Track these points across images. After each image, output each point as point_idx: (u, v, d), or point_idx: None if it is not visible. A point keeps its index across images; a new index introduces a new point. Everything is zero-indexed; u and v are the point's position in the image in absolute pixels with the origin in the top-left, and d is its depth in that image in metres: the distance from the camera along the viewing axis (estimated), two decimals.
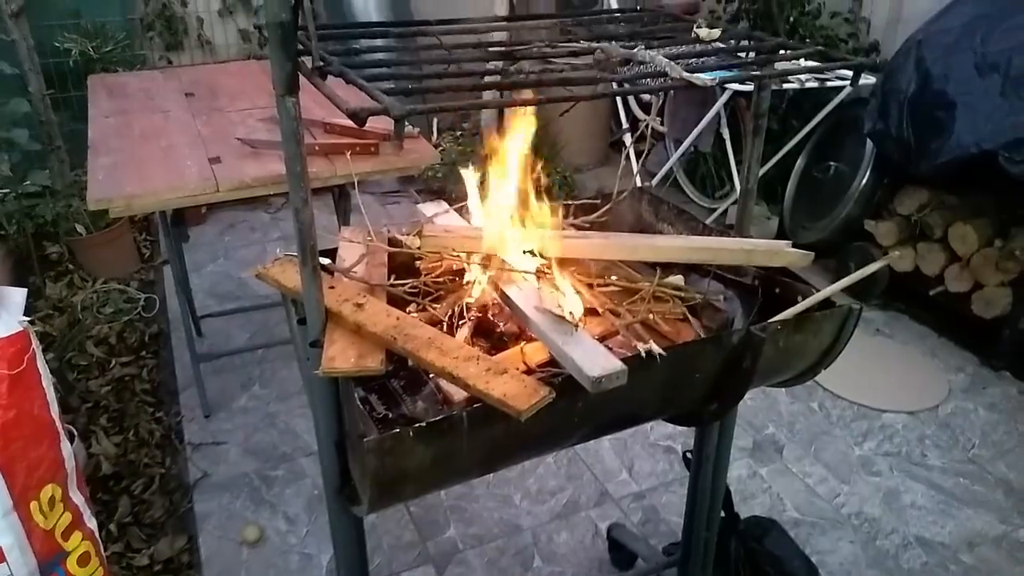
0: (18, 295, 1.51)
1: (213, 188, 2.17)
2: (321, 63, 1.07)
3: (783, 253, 1.42)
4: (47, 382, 1.50)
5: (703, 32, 1.29)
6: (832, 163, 3.56)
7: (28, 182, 3.50)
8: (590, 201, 1.65)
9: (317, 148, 2.33)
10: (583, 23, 1.50)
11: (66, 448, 1.54)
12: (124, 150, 2.34)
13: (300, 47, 1.09)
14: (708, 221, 3.72)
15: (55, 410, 1.51)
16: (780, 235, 3.82)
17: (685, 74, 1.04)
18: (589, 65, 1.17)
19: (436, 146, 4.15)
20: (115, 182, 2.14)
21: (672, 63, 1.07)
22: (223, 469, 2.47)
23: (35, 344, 1.48)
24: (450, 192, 4.17)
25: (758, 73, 1.17)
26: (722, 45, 1.28)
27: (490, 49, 1.26)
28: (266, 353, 3.04)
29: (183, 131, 2.49)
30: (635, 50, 1.14)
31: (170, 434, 2.62)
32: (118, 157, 2.29)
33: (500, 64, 1.21)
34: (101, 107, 2.71)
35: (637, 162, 4.18)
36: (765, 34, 1.31)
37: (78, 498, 1.57)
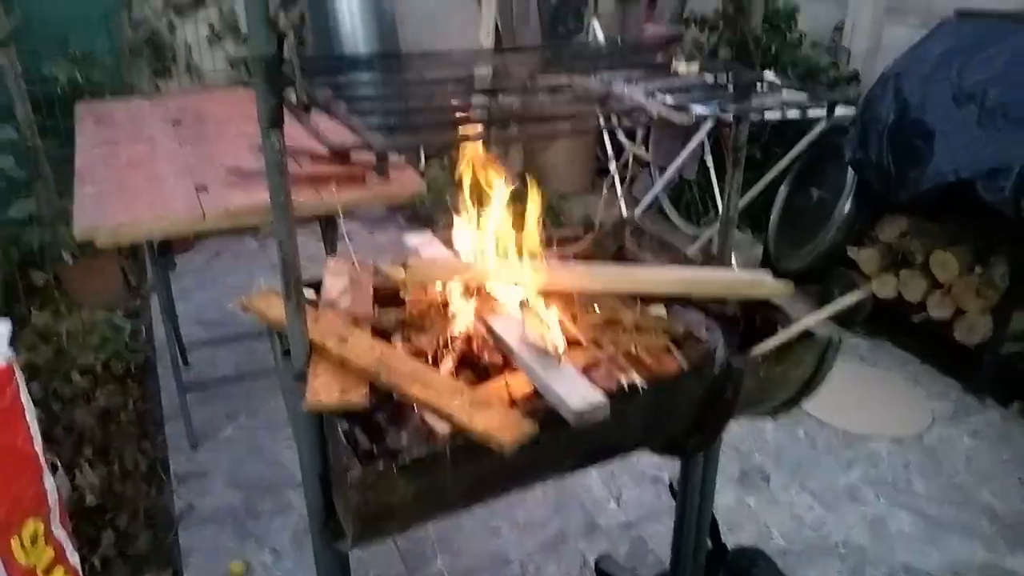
0: (2, 327, 1.50)
1: (200, 217, 2.17)
2: (306, 97, 1.09)
3: (764, 285, 1.44)
4: (30, 415, 1.49)
5: (682, 67, 1.32)
6: (814, 190, 3.61)
7: (14, 209, 3.50)
8: (573, 233, 1.66)
9: (304, 177, 2.34)
10: (564, 56, 1.53)
11: (49, 482, 1.53)
12: (111, 179, 2.34)
13: (286, 79, 1.10)
14: (693, 248, 3.81)
15: (38, 444, 1.50)
16: (765, 261, 3.86)
17: (662, 110, 1.06)
18: (568, 99, 1.19)
19: (422, 173, 4.17)
20: (101, 212, 2.14)
21: (650, 98, 1.09)
22: (209, 501, 2.44)
23: (18, 377, 1.48)
24: (437, 219, 4.19)
25: (734, 108, 1.19)
26: (700, 80, 1.31)
27: (473, 83, 1.27)
28: (253, 382, 3.02)
29: (170, 159, 2.50)
30: (613, 86, 1.16)
31: (155, 465, 2.60)
32: (105, 186, 2.29)
33: (483, 99, 1.22)
34: (88, 135, 2.72)
35: (622, 189, 4.21)
36: (743, 67, 1.33)
37: (60, 533, 1.55)
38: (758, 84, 1.26)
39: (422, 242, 1.58)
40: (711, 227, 3.97)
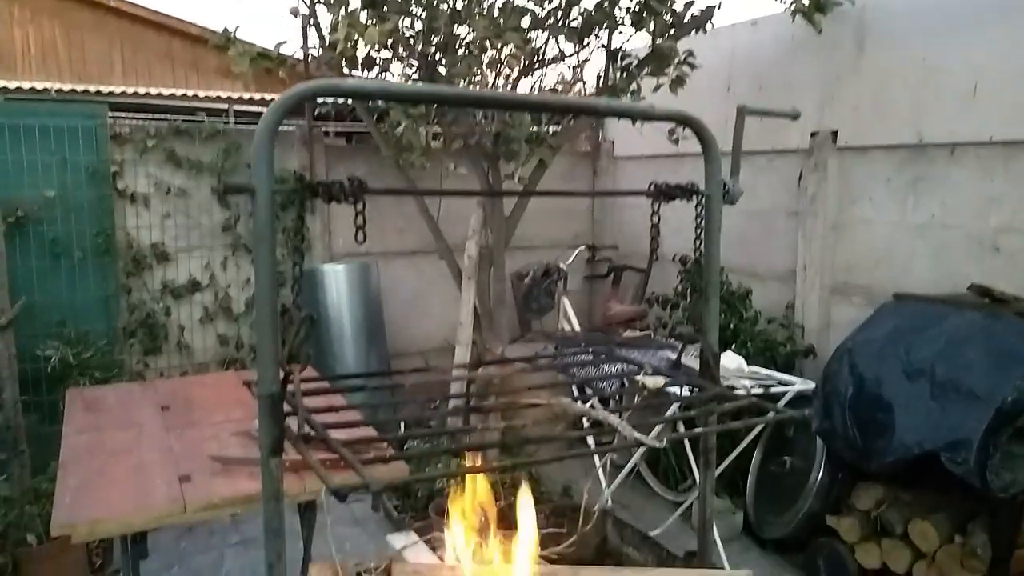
0: None
1: (180, 509, 2.17)
2: (307, 429, 1.18)
3: None
4: None
5: (649, 381, 1.45)
6: (787, 457, 3.69)
7: None
8: (556, 527, 1.70)
9: (287, 464, 2.38)
10: (540, 367, 1.67)
11: None
12: (94, 469, 2.36)
13: (288, 411, 1.20)
14: (673, 517, 3.78)
15: None
16: (746, 529, 3.82)
17: (636, 436, 1.16)
18: (549, 418, 1.30)
19: (403, 443, 4.20)
20: (81, 507, 2.13)
21: (623, 423, 1.20)
22: None
23: None
24: (416, 490, 4.15)
25: (700, 429, 1.30)
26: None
27: (460, 403, 1.39)
28: None
29: (155, 447, 2.54)
30: (589, 407, 1.28)
31: None
32: (87, 477, 2.30)
33: (469, 419, 1.33)
34: (76, 423, 2.76)
35: (599, 459, 4.27)
36: (706, 381, 1.47)
37: None
38: (719, 399, 1.38)
39: (407, 544, 1.60)
40: (690, 494, 3.97)
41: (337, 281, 4.72)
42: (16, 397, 3.92)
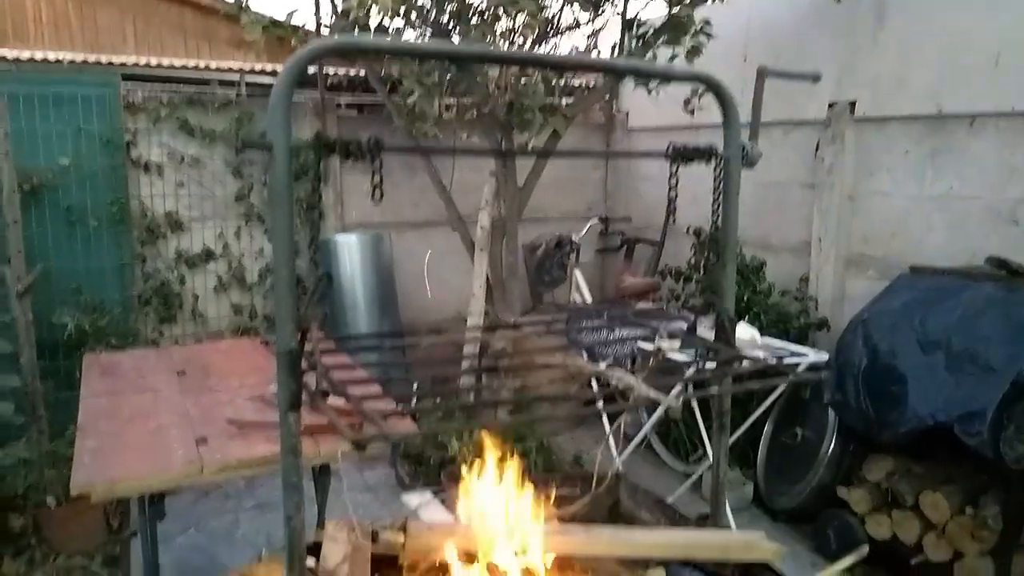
0: None
1: (198, 471, 2.20)
2: (325, 385, 1.19)
3: (757, 548, 1.47)
4: None
5: (664, 344, 1.45)
6: (799, 429, 3.69)
7: (3, 453, 3.49)
8: (570, 492, 1.71)
9: (303, 428, 2.40)
10: (556, 331, 1.67)
11: None
12: (112, 432, 2.39)
13: (306, 368, 1.21)
14: (683, 487, 3.80)
15: None
16: (756, 501, 3.84)
17: (651, 393, 1.17)
18: (563, 379, 1.30)
19: (414, 413, 4.24)
20: (99, 467, 2.16)
21: (638, 381, 1.21)
22: None
23: None
24: (428, 457, 4.19)
25: (716, 389, 1.31)
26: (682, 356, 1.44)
27: (474, 362, 1.39)
28: None
29: (172, 411, 2.57)
30: (603, 367, 1.28)
31: None
32: (105, 440, 2.33)
33: (484, 377, 1.34)
34: (93, 387, 2.80)
35: (612, 428, 4.28)
36: (721, 345, 1.47)
37: None
38: (735, 362, 1.38)
39: (421, 503, 1.62)
40: (700, 464, 3.99)
41: (350, 251, 4.73)
42: (34, 363, 3.96)
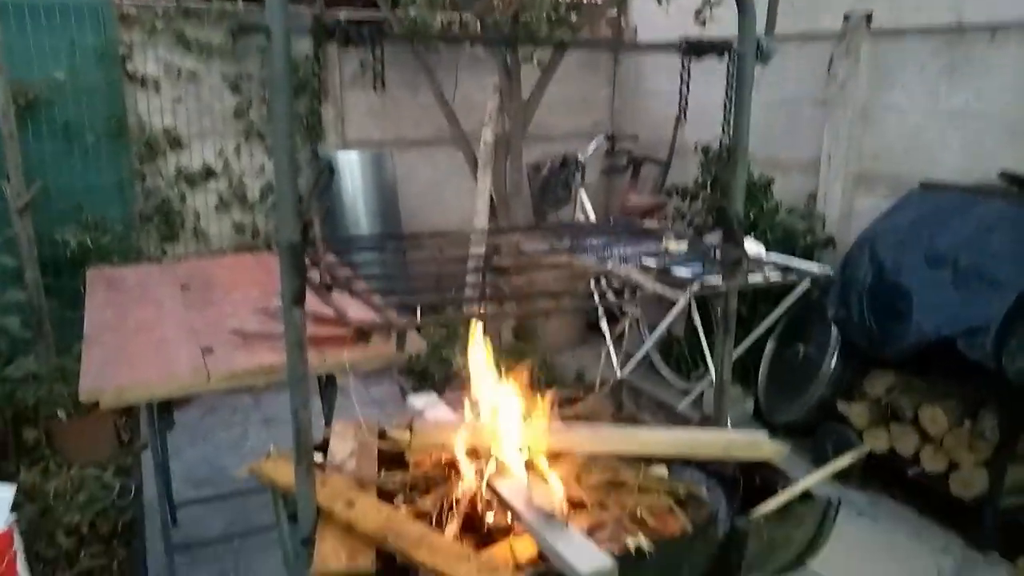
0: (5, 492, 1.51)
1: (204, 379, 2.21)
2: (329, 279, 1.18)
3: (761, 446, 1.48)
4: None
5: (672, 245, 1.43)
6: (801, 346, 3.71)
7: (13, 367, 3.53)
8: (573, 394, 1.72)
9: (309, 339, 2.41)
10: (561, 234, 1.65)
11: None
12: (118, 342, 2.40)
13: (310, 262, 1.19)
14: (684, 403, 3.84)
15: None
16: (756, 416, 3.89)
17: (657, 288, 1.15)
18: (569, 277, 1.29)
19: (419, 329, 4.26)
20: (107, 374, 2.18)
21: (645, 276, 1.19)
22: None
23: (17, 543, 1.47)
24: (432, 373, 4.24)
25: (723, 287, 1.29)
26: (688, 256, 1.42)
27: (479, 262, 1.38)
28: (242, 542, 2.95)
29: (177, 323, 2.57)
30: (609, 265, 1.26)
31: None
32: (111, 349, 2.34)
33: (488, 276, 1.32)
34: (98, 299, 2.80)
35: (613, 345, 4.31)
36: (729, 246, 1.45)
37: None
38: (743, 261, 1.37)
39: (426, 404, 1.63)
40: (701, 382, 4.03)
41: (351, 170, 4.67)
42: (38, 279, 3.97)
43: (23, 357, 3.66)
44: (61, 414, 3.49)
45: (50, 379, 3.63)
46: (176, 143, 4.55)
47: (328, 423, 2.98)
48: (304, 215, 1.15)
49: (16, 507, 3.07)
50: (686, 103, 1.44)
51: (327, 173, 1.13)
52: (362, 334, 1.00)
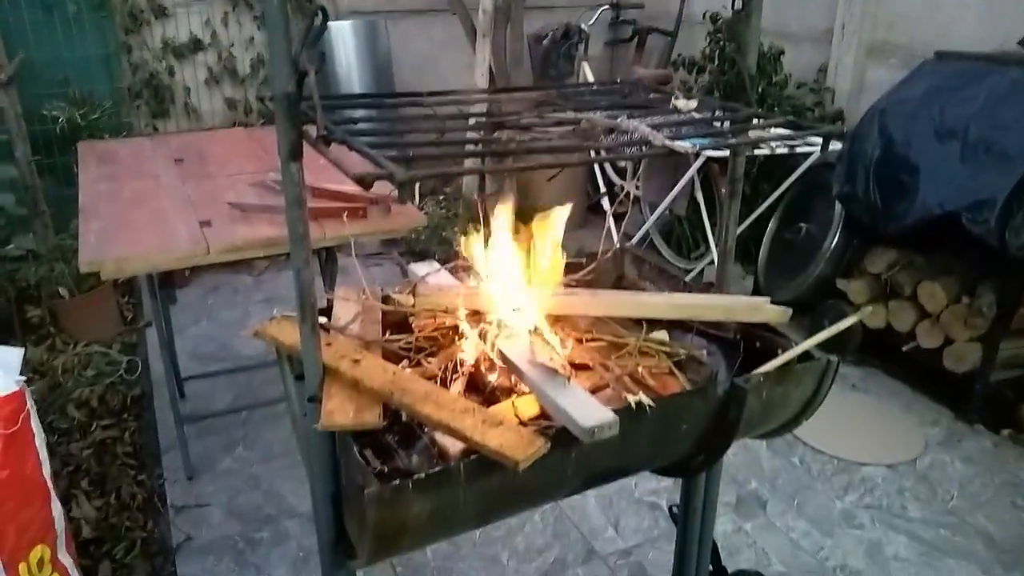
0: (14, 354, 1.53)
1: (204, 251, 2.21)
2: (325, 131, 1.14)
3: (763, 310, 1.48)
4: (40, 442, 1.51)
5: (680, 103, 1.38)
6: (803, 224, 3.69)
7: (12, 246, 3.52)
8: (576, 260, 1.71)
9: (308, 212, 2.38)
10: (566, 95, 1.59)
11: (56, 509, 1.54)
12: (115, 214, 2.38)
13: (306, 115, 1.15)
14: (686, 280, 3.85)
15: (47, 470, 1.51)
16: (755, 293, 3.92)
17: (667, 142, 1.11)
18: (574, 133, 1.25)
19: (419, 208, 4.23)
20: (106, 245, 2.17)
21: (654, 131, 1.15)
22: (206, 532, 2.44)
23: (30, 404, 1.50)
24: (433, 253, 4.24)
25: (734, 141, 1.25)
26: (698, 115, 1.37)
27: (480, 119, 1.33)
28: (250, 414, 3.03)
29: (173, 196, 2.54)
30: (618, 120, 1.22)
31: (152, 497, 2.59)
32: (109, 221, 2.32)
33: (491, 133, 1.28)
34: (91, 173, 2.76)
35: (615, 226, 4.29)
36: (738, 104, 1.40)
37: (66, 559, 1.56)
38: (754, 119, 1.32)
39: (429, 271, 1.62)
40: (702, 261, 4.04)
41: (344, 40, 4.49)
42: (29, 156, 3.90)
43: (22, 235, 3.64)
44: (63, 292, 3.51)
45: (50, 258, 3.63)
46: (161, 12, 4.36)
47: None
48: (298, 65, 1.09)
49: (27, 382, 3.16)
50: None
51: (320, 17, 1.07)
52: (362, 182, 0.97)
